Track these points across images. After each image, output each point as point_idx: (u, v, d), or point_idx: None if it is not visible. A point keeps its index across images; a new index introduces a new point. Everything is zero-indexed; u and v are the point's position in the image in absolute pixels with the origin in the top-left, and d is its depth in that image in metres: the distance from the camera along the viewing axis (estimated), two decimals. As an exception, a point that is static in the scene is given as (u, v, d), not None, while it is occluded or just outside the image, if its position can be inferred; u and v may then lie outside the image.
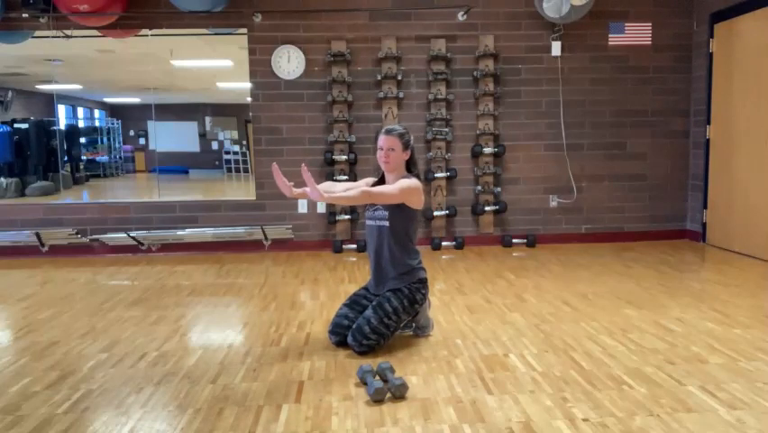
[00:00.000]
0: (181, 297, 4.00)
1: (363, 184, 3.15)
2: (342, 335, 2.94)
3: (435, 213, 5.54)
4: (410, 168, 3.08)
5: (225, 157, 6.08)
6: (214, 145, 6.09)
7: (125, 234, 5.41)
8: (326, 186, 3.10)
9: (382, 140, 2.98)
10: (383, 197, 2.92)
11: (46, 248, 5.43)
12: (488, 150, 5.54)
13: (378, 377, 2.48)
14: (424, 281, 3.04)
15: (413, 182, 2.97)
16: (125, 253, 5.48)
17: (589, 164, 5.71)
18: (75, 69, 5.70)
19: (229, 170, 6.10)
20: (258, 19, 5.37)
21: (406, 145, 3.00)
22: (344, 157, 5.44)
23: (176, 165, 5.99)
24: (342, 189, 3.05)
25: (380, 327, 2.86)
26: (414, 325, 3.14)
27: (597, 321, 3.32)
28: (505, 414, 2.23)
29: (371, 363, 2.67)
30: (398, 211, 2.97)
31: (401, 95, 5.45)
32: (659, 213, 5.80)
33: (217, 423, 2.20)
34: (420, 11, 5.46)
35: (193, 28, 5.40)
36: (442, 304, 3.71)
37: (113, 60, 5.69)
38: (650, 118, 5.71)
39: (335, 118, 5.43)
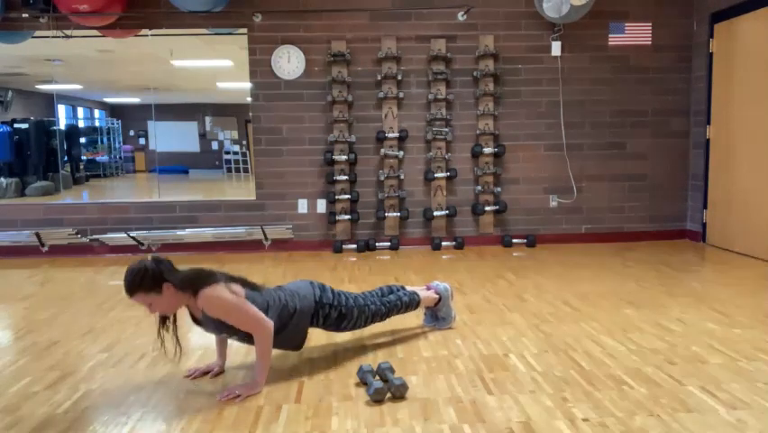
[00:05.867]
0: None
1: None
2: None
3: (435, 213, 5.54)
4: (184, 285, 2.32)
5: (225, 157, 6.08)
6: (215, 145, 6.09)
7: (125, 234, 5.41)
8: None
9: (136, 301, 2.33)
10: (257, 331, 2.43)
11: (46, 248, 5.43)
12: (488, 150, 5.54)
13: (378, 377, 2.48)
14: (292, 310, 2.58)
15: (222, 301, 2.35)
16: (125, 253, 5.47)
17: (589, 164, 5.71)
18: (75, 69, 5.69)
19: (229, 170, 6.10)
20: (258, 19, 5.37)
21: (150, 285, 2.28)
22: (344, 157, 5.44)
23: (176, 165, 5.99)
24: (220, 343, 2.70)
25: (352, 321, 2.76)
26: (435, 315, 3.20)
27: (597, 321, 3.32)
28: (505, 414, 2.23)
29: (371, 363, 2.67)
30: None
31: (401, 95, 5.45)
32: (659, 213, 5.80)
33: (217, 423, 2.20)
34: (420, 11, 5.46)
35: (193, 28, 5.40)
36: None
37: (113, 60, 5.69)
38: (650, 118, 5.70)
39: (335, 118, 5.43)
